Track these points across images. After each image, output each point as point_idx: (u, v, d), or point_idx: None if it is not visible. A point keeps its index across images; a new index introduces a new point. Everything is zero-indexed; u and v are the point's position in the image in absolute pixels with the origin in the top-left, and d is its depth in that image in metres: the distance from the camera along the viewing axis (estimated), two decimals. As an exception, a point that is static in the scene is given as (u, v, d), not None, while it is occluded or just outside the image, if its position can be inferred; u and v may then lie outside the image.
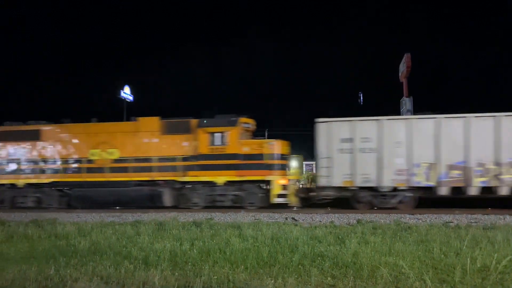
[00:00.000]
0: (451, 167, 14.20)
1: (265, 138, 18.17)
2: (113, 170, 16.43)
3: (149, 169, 16.17)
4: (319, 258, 6.36)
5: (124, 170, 16.32)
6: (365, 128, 14.80)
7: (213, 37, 77.66)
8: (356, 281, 5.30)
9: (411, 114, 20.76)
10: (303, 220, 12.16)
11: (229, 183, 15.68)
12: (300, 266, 6.00)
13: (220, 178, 15.62)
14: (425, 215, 12.61)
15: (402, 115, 21.93)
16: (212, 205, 15.88)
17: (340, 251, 6.79)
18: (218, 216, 13.15)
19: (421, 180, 14.37)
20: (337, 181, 14.85)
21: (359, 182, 14.68)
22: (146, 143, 16.32)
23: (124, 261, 6.34)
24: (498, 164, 13.92)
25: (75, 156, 16.89)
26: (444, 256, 6.38)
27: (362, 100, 33.33)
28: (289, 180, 15.63)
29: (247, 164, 15.52)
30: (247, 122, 16.47)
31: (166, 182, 16.11)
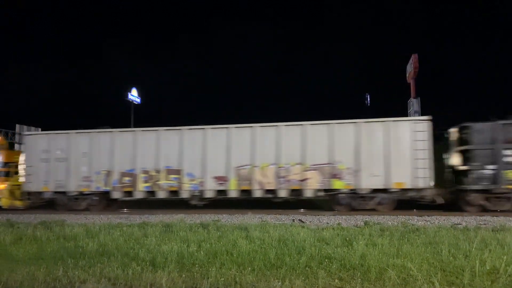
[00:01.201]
0: (123, 174, 16.71)
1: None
2: None
3: None
4: (326, 260, 6.33)
5: None
6: (59, 140, 17.38)
7: (213, 37, 77.88)
8: (364, 283, 5.28)
9: (419, 115, 20.64)
10: (310, 222, 12.13)
11: None
12: (307, 268, 5.98)
13: None
14: (433, 217, 12.53)
15: (410, 116, 21.82)
16: None
17: (348, 253, 6.76)
18: (225, 218, 13.17)
19: (100, 186, 16.84)
20: (37, 187, 17.31)
21: (53, 187, 17.18)
22: None
23: (131, 263, 6.38)
24: (157, 171, 16.37)
25: None
26: (453, 258, 6.32)
27: (369, 101, 33.24)
28: (6, 185, 18.09)
29: None
30: None
31: None
